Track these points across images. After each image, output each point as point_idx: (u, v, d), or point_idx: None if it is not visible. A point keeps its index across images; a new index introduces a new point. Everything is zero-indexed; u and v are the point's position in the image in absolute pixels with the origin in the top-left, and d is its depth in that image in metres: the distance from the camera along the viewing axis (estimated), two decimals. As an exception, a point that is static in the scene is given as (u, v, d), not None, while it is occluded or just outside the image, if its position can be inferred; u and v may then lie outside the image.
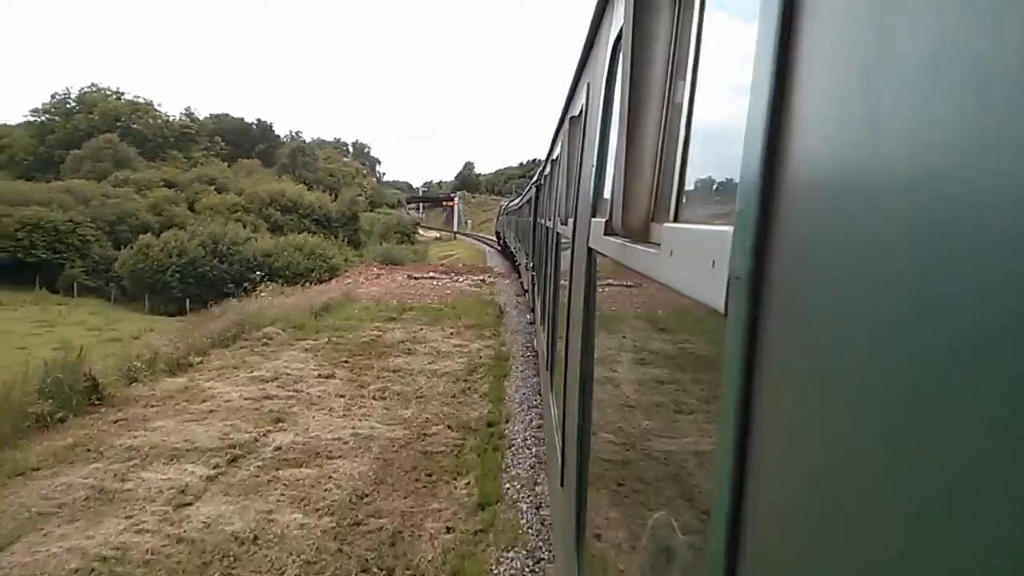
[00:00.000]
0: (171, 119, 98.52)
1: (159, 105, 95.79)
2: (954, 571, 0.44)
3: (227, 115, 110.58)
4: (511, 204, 37.45)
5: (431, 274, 31.51)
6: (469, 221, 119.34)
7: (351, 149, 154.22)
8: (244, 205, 72.40)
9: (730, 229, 0.92)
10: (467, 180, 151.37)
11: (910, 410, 0.49)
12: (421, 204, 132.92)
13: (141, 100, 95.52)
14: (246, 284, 41.21)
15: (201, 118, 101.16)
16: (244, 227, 62.00)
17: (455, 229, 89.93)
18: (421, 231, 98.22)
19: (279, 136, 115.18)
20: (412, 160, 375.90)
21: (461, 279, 29.78)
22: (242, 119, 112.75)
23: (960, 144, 0.46)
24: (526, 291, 18.20)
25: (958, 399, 0.44)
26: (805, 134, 0.76)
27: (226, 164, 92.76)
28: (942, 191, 0.48)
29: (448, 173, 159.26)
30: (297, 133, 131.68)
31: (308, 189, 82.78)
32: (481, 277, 30.81)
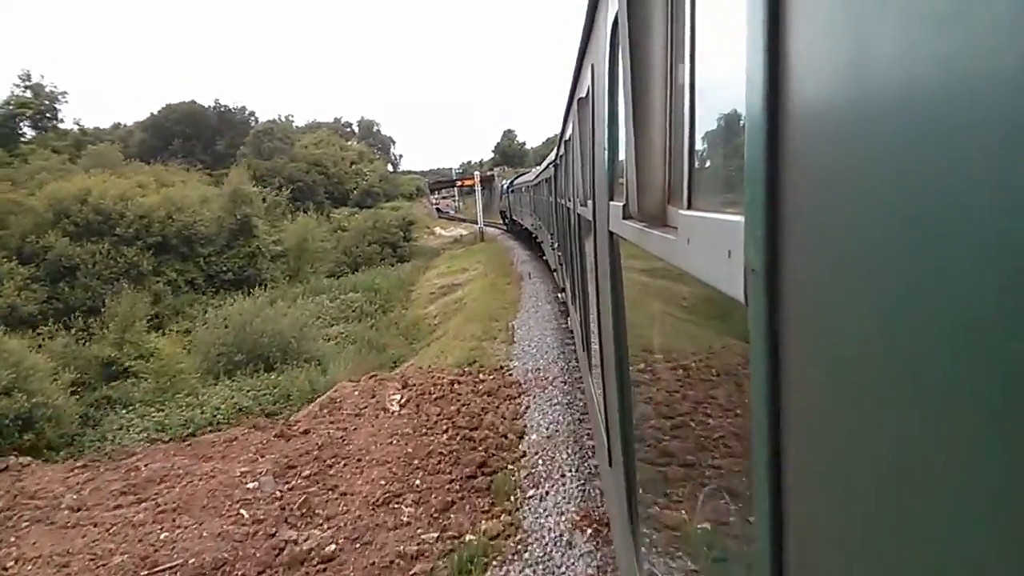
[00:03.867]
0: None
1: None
2: (986, 538, 0.44)
3: (193, 102, 77.46)
4: (518, 182, 36.36)
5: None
6: (508, 207, 79.63)
7: (356, 129, 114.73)
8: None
9: (742, 218, 0.92)
10: (508, 153, 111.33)
11: (936, 394, 0.50)
12: (458, 190, 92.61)
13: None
14: None
15: (47, 92, 61.12)
16: None
17: (479, 225, 55.35)
18: (440, 229, 68.82)
19: (255, 121, 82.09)
20: (448, 141, 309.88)
21: None
22: (193, 102, 77.45)
23: (978, 128, 0.44)
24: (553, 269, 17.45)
25: (982, 382, 0.44)
26: (807, 120, 0.75)
27: (69, 158, 53.02)
28: (957, 172, 0.46)
29: (490, 149, 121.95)
30: (287, 117, 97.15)
31: (257, 184, 48.81)
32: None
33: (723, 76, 1.32)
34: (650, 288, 2.36)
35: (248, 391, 18.69)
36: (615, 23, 2.37)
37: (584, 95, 4.26)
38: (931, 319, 0.50)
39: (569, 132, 6.76)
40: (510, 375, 11.71)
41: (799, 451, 0.82)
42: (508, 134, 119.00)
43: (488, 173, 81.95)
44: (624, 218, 2.19)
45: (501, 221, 57.21)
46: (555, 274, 16.58)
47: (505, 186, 50.02)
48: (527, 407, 9.94)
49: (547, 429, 9.09)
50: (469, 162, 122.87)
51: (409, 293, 34.27)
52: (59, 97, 64.56)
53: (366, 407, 11.02)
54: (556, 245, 13.55)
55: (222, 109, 79.17)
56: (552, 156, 13.53)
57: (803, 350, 0.78)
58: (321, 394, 14.87)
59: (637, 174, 1.87)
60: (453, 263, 39.36)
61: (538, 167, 25.36)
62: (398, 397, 10.98)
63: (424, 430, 9.64)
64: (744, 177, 0.89)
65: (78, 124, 65.00)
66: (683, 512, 1.98)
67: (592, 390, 5.39)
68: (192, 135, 73.85)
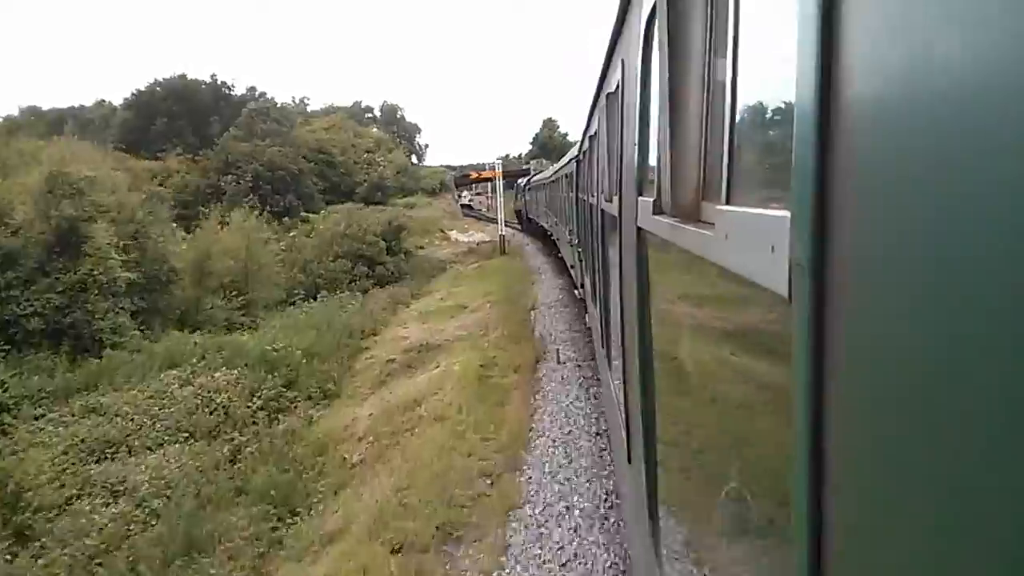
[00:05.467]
0: None
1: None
2: None
3: (183, 76, 65.08)
4: (536, 179, 34.75)
5: None
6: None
7: (377, 114, 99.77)
8: None
9: (787, 214, 0.92)
10: (549, 145, 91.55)
11: (993, 399, 0.49)
12: (490, 185, 69.90)
13: None
14: None
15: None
16: None
17: (501, 230, 43.46)
18: (457, 233, 55.67)
19: (254, 100, 66.91)
20: (486, 133, 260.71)
21: None
22: (183, 77, 64.41)
23: None
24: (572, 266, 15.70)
25: None
26: (859, 111, 0.74)
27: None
28: (1019, 172, 0.45)
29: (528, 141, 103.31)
30: (302, 100, 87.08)
31: (224, 172, 45.60)
32: None
33: (768, 72, 1.32)
34: (679, 283, 2.36)
35: None
36: (650, 18, 2.38)
37: (613, 89, 4.26)
38: (988, 321, 0.49)
39: (595, 127, 6.77)
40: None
41: (841, 454, 0.80)
42: (549, 124, 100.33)
43: (524, 167, 68.63)
44: (654, 213, 2.19)
45: (516, 220, 52.29)
46: (572, 271, 16.37)
47: (522, 184, 47.56)
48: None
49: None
50: (507, 156, 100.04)
51: (357, 356, 21.67)
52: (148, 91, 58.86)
53: None
54: (576, 241, 13.55)
55: (219, 86, 66.20)
56: (574, 151, 13.60)
57: (850, 347, 0.78)
58: None
59: (671, 169, 1.87)
60: (452, 291, 28.06)
61: (556, 164, 25.35)
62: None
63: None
64: (792, 173, 0.88)
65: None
66: (708, 514, 1.96)
67: (611, 385, 5.40)
68: (180, 114, 60.98)
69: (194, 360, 20.53)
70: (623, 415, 4.05)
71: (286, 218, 45.23)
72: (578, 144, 12.63)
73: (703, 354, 2.02)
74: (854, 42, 0.74)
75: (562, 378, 11.82)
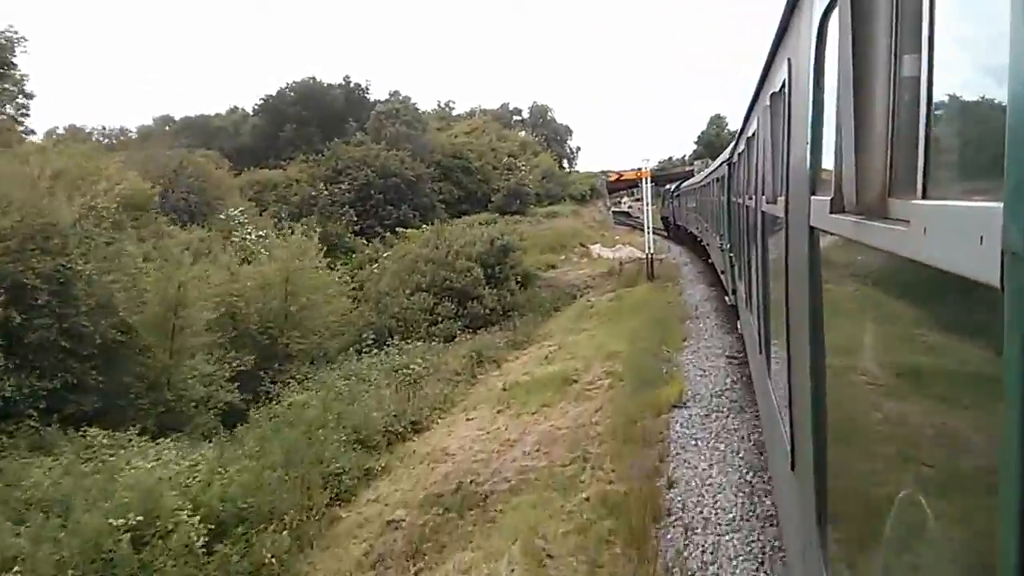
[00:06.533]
0: None
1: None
2: None
3: (312, 79, 59.66)
4: (684, 185, 34.05)
5: None
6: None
7: (526, 116, 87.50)
8: None
9: (998, 204, 0.93)
10: (715, 143, 74.15)
11: None
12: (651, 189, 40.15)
13: None
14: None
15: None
16: None
17: (648, 249, 30.54)
18: (600, 248, 43.26)
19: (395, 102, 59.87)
20: (647, 136, 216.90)
21: None
22: (312, 79, 59.25)
23: None
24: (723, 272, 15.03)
25: None
26: None
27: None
28: None
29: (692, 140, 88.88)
30: (447, 104, 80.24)
31: (330, 179, 42.19)
32: None
33: (969, 63, 1.31)
34: (861, 282, 2.31)
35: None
36: (825, 14, 2.38)
37: (778, 89, 4.18)
38: None
39: (753, 128, 6.63)
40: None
41: None
42: (716, 120, 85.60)
43: (688, 168, 59.24)
44: (832, 212, 2.17)
45: (663, 227, 48.92)
46: (723, 276, 15.81)
47: (669, 189, 46.90)
48: None
49: None
50: (670, 158, 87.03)
51: (356, 496, 12.95)
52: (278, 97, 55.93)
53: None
54: (727, 246, 13.19)
55: (352, 88, 60.00)
56: (726, 154, 13.30)
57: None
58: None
59: (856, 168, 1.86)
60: (567, 342, 20.50)
61: (705, 168, 24.65)
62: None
63: None
64: (1006, 163, 0.90)
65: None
66: (889, 520, 1.86)
67: (771, 392, 5.26)
68: (309, 120, 55.68)
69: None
70: (787, 421, 3.94)
71: (390, 233, 40.58)
72: (730, 147, 12.40)
73: (890, 352, 1.97)
74: None
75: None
